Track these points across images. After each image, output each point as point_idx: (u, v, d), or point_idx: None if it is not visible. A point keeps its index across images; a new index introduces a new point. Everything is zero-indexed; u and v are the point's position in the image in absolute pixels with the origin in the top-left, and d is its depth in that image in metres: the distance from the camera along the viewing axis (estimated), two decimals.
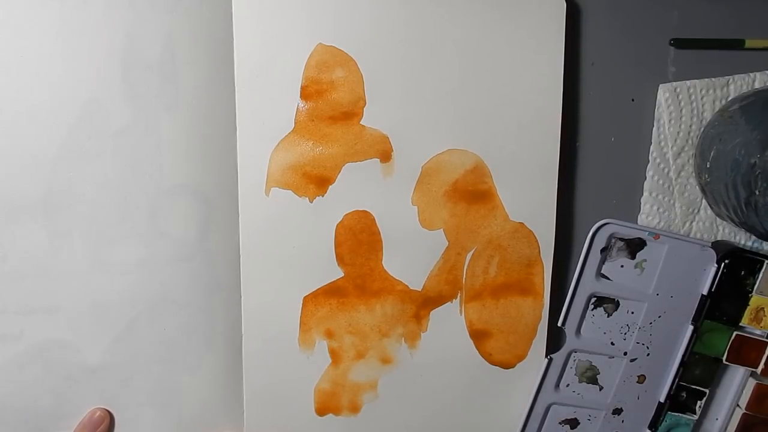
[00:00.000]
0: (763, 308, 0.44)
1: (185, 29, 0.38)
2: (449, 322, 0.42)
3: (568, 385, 0.44)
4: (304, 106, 0.39)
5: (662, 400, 0.44)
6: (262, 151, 0.39)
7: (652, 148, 0.44)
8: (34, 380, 0.39)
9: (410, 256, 0.41)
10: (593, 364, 0.45)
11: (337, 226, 0.40)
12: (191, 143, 0.39)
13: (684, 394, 0.45)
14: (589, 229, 0.42)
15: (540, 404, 0.44)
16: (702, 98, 0.43)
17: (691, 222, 0.45)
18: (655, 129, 0.44)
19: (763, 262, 0.43)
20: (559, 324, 0.43)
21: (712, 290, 0.43)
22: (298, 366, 0.41)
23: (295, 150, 0.39)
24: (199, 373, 0.41)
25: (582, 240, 0.43)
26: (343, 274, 0.41)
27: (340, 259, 0.41)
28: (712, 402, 0.46)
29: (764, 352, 0.44)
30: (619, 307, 0.44)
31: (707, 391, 0.45)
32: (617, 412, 0.45)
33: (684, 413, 0.45)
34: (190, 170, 0.39)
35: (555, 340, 0.44)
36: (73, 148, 0.37)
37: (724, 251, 0.43)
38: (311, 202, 0.40)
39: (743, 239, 0.46)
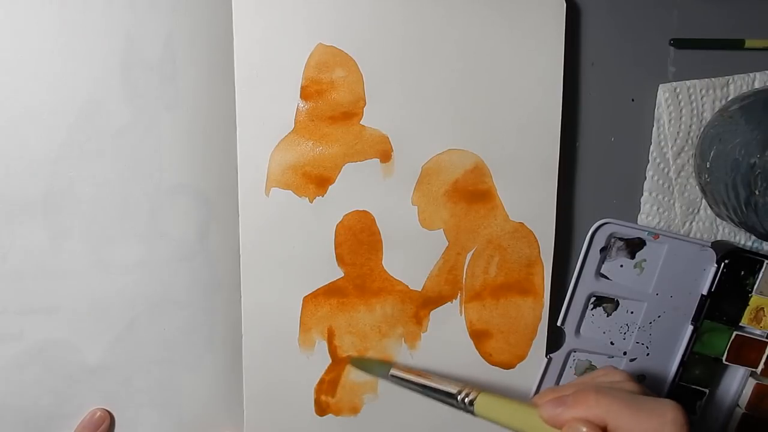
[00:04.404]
0: (763, 308, 0.44)
1: (185, 29, 0.38)
2: (449, 322, 0.42)
3: None
4: (304, 106, 0.39)
5: None
6: (262, 151, 0.39)
7: (652, 148, 0.44)
8: (34, 380, 0.39)
9: (410, 256, 0.41)
10: (593, 363, 0.45)
11: (337, 226, 0.40)
12: (191, 143, 0.39)
13: (684, 394, 0.45)
14: (589, 229, 0.42)
15: None
16: (702, 98, 0.43)
17: (691, 222, 0.45)
18: (655, 129, 0.44)
19: (763, 262, 0.43)
20: (559, 323, 0.43)
21: (712, 290, 0.43)
22: (298, 366, 0.41)
23: (295, 150, 0.39)
24: (199, 373, 0.41)
25: (581, 240, 0.43)
26: (343, 274, 0.41)
27: (340, 259, 0.41)
28: (712, 402, 0.46)
29: (764, 352, 0.44)
30: (619, 307, 0.44)
31: (707, 391, 0.45)
32: None
33: None
34: (190, 170, 0.39)
35: (554, 339, 0.44)
36: (73, 148, 0.37)
37: (724, 251, 0.43)
38: (311, 202, 0.40)
39: (743, 239, 0.46)
